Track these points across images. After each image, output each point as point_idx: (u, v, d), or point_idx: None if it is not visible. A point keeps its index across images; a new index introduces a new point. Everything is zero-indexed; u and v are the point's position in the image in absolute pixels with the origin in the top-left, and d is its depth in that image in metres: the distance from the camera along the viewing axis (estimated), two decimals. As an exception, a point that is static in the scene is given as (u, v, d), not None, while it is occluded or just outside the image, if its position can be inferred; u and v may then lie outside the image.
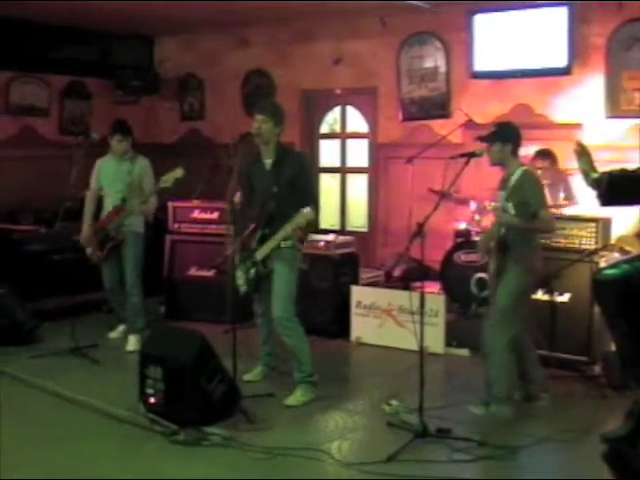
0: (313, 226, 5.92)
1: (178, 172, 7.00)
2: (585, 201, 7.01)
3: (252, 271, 5.96)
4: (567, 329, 6.40)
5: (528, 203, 5.50)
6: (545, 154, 7.69)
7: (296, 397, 5.83)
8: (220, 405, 5.28)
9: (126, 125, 7.41)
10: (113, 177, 7.30)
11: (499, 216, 5.61)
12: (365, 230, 10.04)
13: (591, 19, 8.03)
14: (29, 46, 9.84)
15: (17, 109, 9.94)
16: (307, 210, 5.65)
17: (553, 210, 7.09)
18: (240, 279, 6.01)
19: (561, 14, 8.03)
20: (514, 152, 5.66)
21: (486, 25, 8.55)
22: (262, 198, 5.96)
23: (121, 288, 7.35)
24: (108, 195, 7.35)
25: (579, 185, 6.97)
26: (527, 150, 8.08)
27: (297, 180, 5.87)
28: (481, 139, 5.74)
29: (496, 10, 8.46)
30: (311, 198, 5.94)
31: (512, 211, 5.55)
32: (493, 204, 6.34)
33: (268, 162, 5.96)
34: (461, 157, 5.64)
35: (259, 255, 5.93)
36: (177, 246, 8.55)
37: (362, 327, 7.51)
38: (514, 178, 5.61)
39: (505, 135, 5.67)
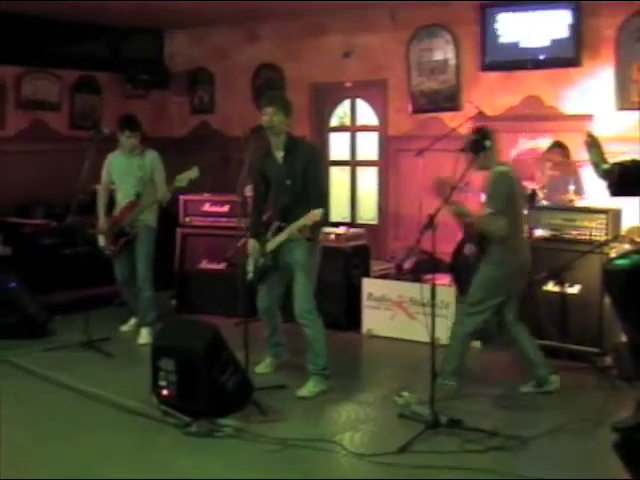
0: (322, 223, 5.93)
1: (194, 172, 6.99)
2: (595, 193, 7.00)
3: (261, 260, 6.00)
4: (578, 320, 6.41)
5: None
6: (559, 146, 7.69)
7: (308, 388, 5.86)
8: (232, 397, 5.30)
9: (135, 120, 7.42)
10: (124, 173, 7.33)
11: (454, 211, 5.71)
12: (375, 223, 10.03)
13: (601, 10, 7.99)
14: (40, 41, 9.87)
15: (28, 104, 9.96)
16: (316, 212, 5.65)
17: (566, 201, 7.10)
18: (250, 266, 6.05)
19: (569, 5, 8.01)
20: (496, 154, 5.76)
21: (495, 17, 8.53)
22: (276, 191, 6.00)
23: (134, 281, 7.38)
24: (120, 190, 7.39)
25: (589, 178, 6.96)
26: (537, 142, 8.15)
27: (306, 170, 5.88)
28: (463, 150, 5.79)
29: (506, 4, 8.45)
30: (319, 189, 5.97)
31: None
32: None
33: (280, 155, 5.97)
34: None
35: (269, 247, 5.96)
36: (188, 239, 8.58)
37: (373, 319, 7.53)
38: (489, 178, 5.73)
39: (485, 142, 5.68)
